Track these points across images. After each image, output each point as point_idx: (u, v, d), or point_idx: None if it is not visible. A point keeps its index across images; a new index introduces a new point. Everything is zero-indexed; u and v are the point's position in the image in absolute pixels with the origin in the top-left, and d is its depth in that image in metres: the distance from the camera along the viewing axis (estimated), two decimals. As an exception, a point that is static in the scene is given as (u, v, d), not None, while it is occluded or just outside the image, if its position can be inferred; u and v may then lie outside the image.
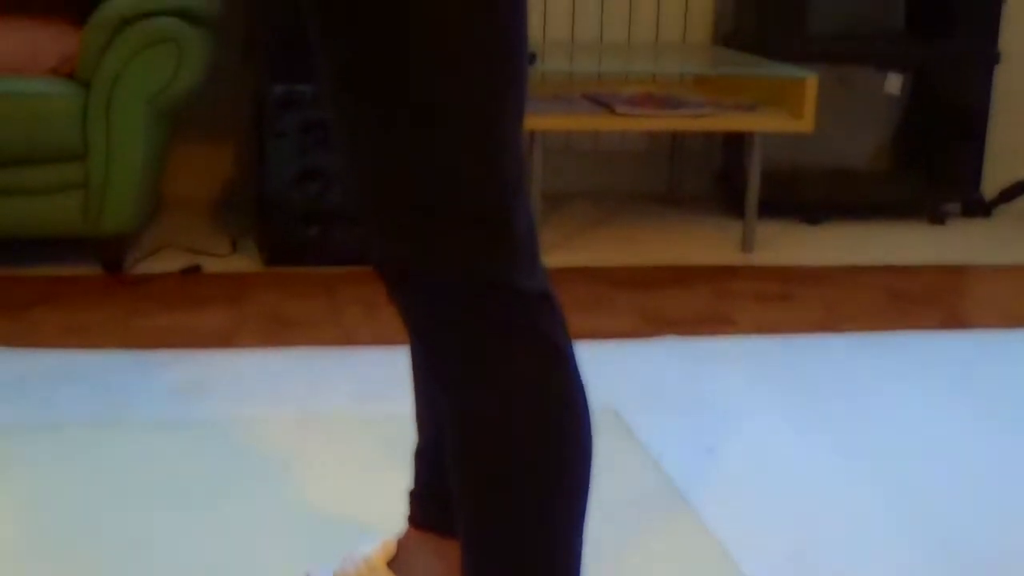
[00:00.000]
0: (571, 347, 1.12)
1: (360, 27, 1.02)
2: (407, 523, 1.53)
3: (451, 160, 1.03)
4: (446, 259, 1.05)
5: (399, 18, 1.00)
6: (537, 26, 3.98)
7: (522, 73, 1.08)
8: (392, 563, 1.53)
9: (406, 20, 1.00)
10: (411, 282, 1.07)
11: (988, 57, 3.99)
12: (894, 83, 4.13)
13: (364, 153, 1.06)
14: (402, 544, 1.54)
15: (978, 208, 4.15)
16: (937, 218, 4.05)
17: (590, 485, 1.13)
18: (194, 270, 3.22)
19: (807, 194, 4.03)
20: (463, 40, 1.01)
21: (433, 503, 1.49)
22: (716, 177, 4.22)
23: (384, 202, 1.06)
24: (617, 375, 2.56)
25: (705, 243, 3.66)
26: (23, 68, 3.15)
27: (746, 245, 3.56)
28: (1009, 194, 4.25)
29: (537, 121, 3.27)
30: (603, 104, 3.46)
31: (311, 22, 1.07)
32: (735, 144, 3.99)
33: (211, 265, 3.27)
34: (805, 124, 3.42)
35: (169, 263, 3.27)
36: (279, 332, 2.78)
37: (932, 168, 4.18)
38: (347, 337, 2.76)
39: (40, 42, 3.18)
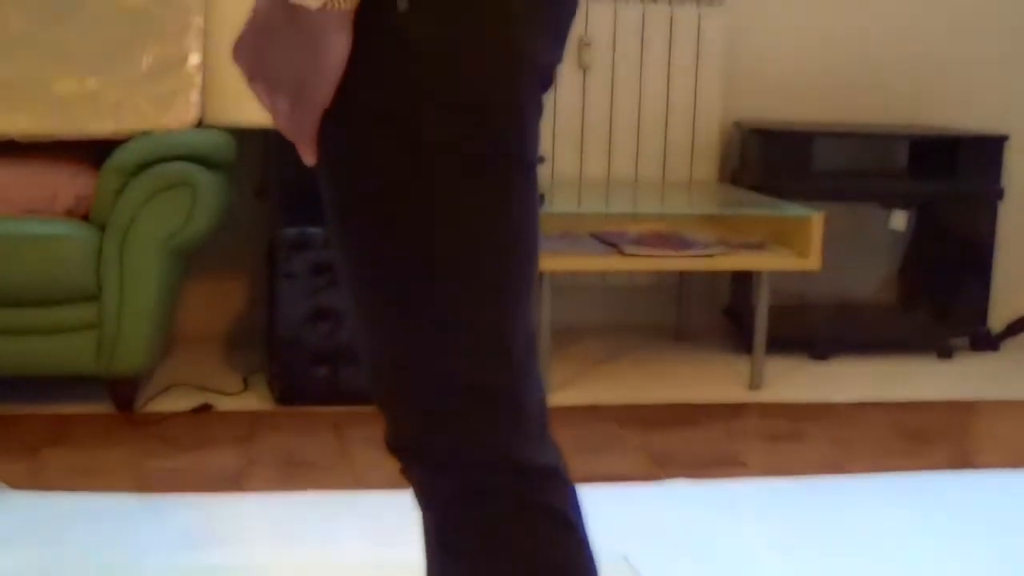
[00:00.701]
0: (581, 516, 1.13)
1: (369, 219, 1.06)
2: None
3: (464, 344, 1.07)
4: (457, 438, 1.08)
5: (407, 212, 1.05)
6: (545, 164, 4.06)
7: (534, 258, 1.11)
8: None
9: (416, 213, 1.05)
10: (423, 459, 1.10)
11: (992, 193, 4.05)
12: (899, 220, 4.18)
13: (376, 336, 1.09)
14: None
15: (986, 342, 4.17)
16: (945, 352, 4.07)
17: None
18: (205, 409, 3.24)
19: (814, 329, 4.06)
20: (477, 230, 1.05)
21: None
22: (724, 312, 4.25)
23: (395, 383, 1.09)
24: (626, 520, 2.56)
25: (713, 380, 3.68)
26: (40, 209, 3.21)
27: (754, 382, 3.57)
28: (1016, 328, 4.28)
29: (546, 261, 3.31)
30: (611, 244, 3.50)
31: (324, 202, 1.11)
32: (742, 279, 4.03)
33: (222, 403, 3.30)
34: (812, 263, 3.47)
35: (180, 402, 3.30)
36: (290, 474, 2.79)
37: (939, 302, 4.21)
38: (358, 480, 2.77)
39: (57, 184, 3.24)
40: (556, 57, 1.15)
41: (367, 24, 1.05)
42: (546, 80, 1.14)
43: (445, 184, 1.06)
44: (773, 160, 3.91)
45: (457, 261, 1.06)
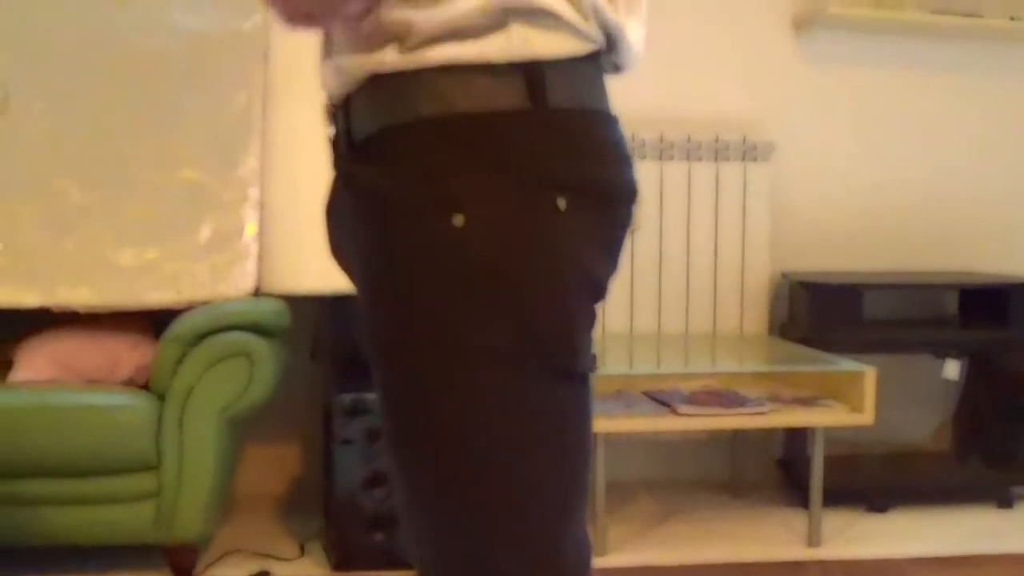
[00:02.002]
0: None
1: (416, 423, 1.10)
2: None
3: (510, 548, 1.09)
4: None
5: (452, 418, 1.09)
6: (597, 323, 4.09)
7: (583, 466, 1.14)
8: None
9: (461, 420, 1.08)
10: None
11: (1044, 341, 4.04)
12: (952, 369, 4.17)
13: (424, 532, 1.12)
14: None
15: (1046, 491, 4.12)
16: (1005, 502, 4.01)
17: None
18: (263, 575, 3.25)
19: (870, 480, 4.02)
20: (522, 437, 1.09)
21: None
22: (777, 463, 4.23)
23: (443, 562, 1.12)
24: None
25: (770, 536, 3.64)
26: (101, 378, 3.27)
27: (812, 539, 3.54)
28: (1076, 475, 4.22)
29: (601, 423, 3.32)
30: (664, 403, 3.52)
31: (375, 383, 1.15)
32: (796, 432, 4.02)
33: (279, 569, 3.30)
34: (866, 417, 3.46)
35: (238, 568, 3.30)
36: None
37: (996, 450, 4.17)
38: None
39: (118, 354, 3.31)
40: (610, 270, 1.18)
41: (422, 233, 1.09)
42: (599, 292, 1.17)
43: (490, 390, 1.08)
44: (822, 312, 3.92)
45: (502, 468, 1.08)
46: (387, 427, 1.14)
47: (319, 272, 3.33)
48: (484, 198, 1.07)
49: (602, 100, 1.18)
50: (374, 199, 1.12)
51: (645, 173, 4.09)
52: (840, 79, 4.34)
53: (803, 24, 4.29)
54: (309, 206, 3.39)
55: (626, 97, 4.16)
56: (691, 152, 4.14)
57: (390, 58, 1.10)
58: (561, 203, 1.10)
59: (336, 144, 1.23)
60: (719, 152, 4.15)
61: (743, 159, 4.16)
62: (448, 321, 1.08)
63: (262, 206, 3.51)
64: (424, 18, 1.08)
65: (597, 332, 4.12)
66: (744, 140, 4.16)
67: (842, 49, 4.35)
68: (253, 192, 3.51)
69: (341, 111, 1.20)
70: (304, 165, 3.43)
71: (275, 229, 3.46)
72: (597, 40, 1.16)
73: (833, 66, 4.34)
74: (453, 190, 1.07)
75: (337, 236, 1.26)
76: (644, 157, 4.10)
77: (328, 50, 1.23)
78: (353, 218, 1.16)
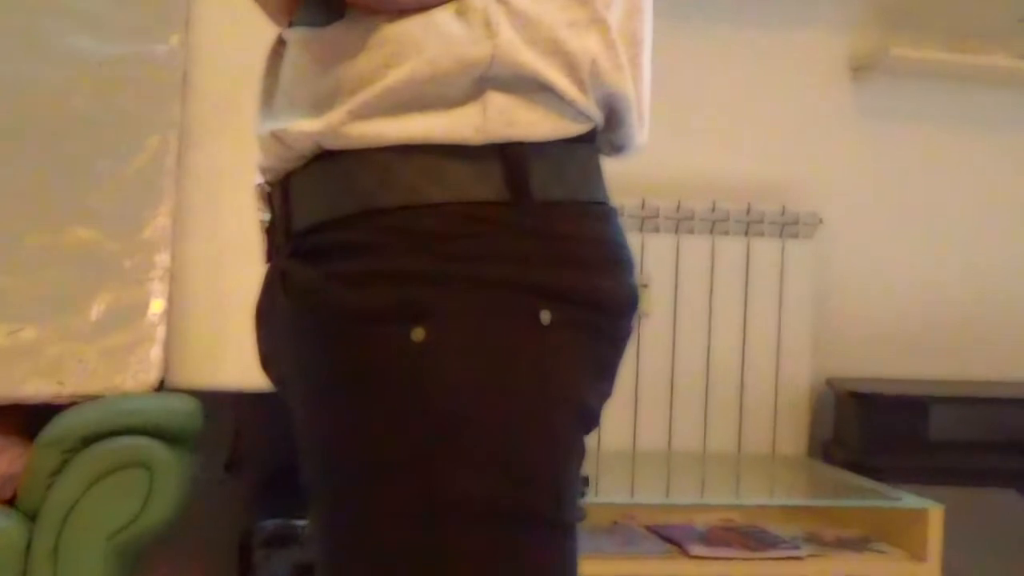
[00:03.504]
0: None
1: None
2: None
3: None
4: None
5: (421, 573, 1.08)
6: (592, 436, 4.07)
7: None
8: None
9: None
10: None
11: None
12: (1038, 507, 4.15)
13: None
14: None
15: None
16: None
17: None
18: None
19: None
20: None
21: None
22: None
23: None
24: None
25: None
26: (-44, 490, 3.23)
27: None
28: None
29: (591, 566, 3.29)
30: (673, 542, 3.49)
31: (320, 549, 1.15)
32: None
33: None
34: (930, 569, 3.44)
35: None
36: None
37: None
38: None
39: (-21, 458, 3.27)
40: (604, 394, 1.19)
41: (373, 349, 1.09)
42: (590, 422, 1.18)
43: (460, 545, 1.09)
44: (877, 430, 3.91)
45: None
46: (326, 570, 1.14)
47: (241, 363, 3.31)
48: (450, 309, 1.08)
49: (597, 190, 1.20)
50: (315, 305, 1.13)
51: (658, 249, 4.11)
52: (904, 137, 4.37)
53: (860, 69, 4.33)
54: (233, 278, 3.38)
55: (638, 157, 4.18)
56: (716, 224, 4.16)
57: (342, 128, 1.11)
58: (545, 317, 1.11)
59: (271, 233, 1.24)
60: (751, 225, 4.17)
61: (781, 234, 4.17)
62: (402, 461, 1.09)
63: (173, 277, 3.50)
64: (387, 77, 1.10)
65: (591, 448, 4.09)
66: (783, 211, 4.18)
67: (907, 100, 4.38)
68: (162, 258, 3.50)
69: (279, 191, 1.21)
70: (230, 226, 3.43)
71: (188, 306, 3.45)
72: (595, 118, 1.18)
73: (896, 121, 4.37)
74: (412, 298, 1.08)
75: (268, 345, 1.27)
76: (657, 229, 4.12)
77: (268, 99, 1.24)
78: (290, 327, 1.17)
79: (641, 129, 1.28)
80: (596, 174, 1.21)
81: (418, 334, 1.07)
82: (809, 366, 4.20)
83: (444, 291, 1.08)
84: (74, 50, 3.62)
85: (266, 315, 1.25)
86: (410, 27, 1.10)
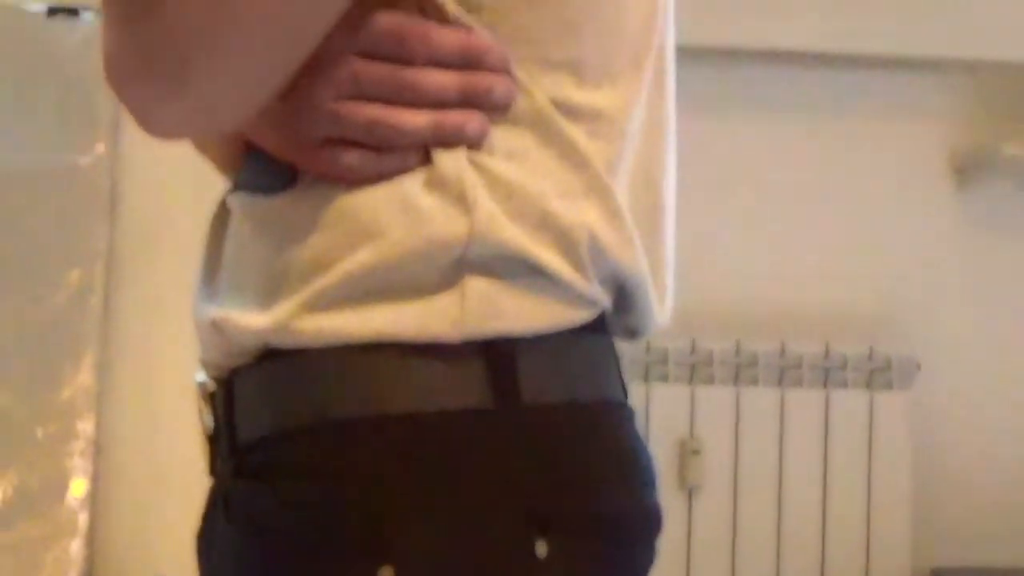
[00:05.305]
0: None
1: None
2: None
3: None
4: None
5: None
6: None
7: None
8: None
9: None
10: None
11: None
12: None
13: None
14: None
15: None
16: None
17: None
18: None
19: None
20: None
21: None
22: None
23: None
24: None
25: None
26: None
27: None
28: None
29: None
30: None
31: None
32: None
33: None
34: None
35: None
36: None
37: None
38: None
39: None
40: None
41: None
42: None
43: None
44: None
45: None
46: None
47: (181, 558, 3.35)
48: (424, 542, 1.10)
49: (607, 386, 1.22)
50: (263, 536, 1.15)
51: (713, 404, 4.11)
52: (1022, 256, 4.39)
53: (964, 170, 4.34)
54: (170, 450, 3.42)
55: (684, 284, 4.20)
56: (786, 372, 4.17)
57: (293, 323, 1.14)
58: (541, 549, 1.11)
59: (214, 443, 1.26)
60: (830, 372, 4.18)
61: (868, 384, 4.17)
62: None
63: (98, 449, 3.54)
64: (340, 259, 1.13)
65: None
66: (870, 353, 4.18)
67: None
68: (84, 427, 3.55)
69: (221, 393, 1.23)
70: (167, 383, 3.46)
71: (117, 488, 3.48)
72: (600, 302, 1.20)
73: (1011, 236, 4.40)
74: (377, 529, 1.09)
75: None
76: (711, 379, 4.13)
77: (209, 276, 1.27)
78: (233, 559, 1.19)
79: (662, 307, 1.29)
80: (605, 366, 1.22)
81: (386, 573, 1.08)
82: (908, 554, 4.16)
83: (416, 521, 1.09)
84: (-24, 161, 3.69)
85: (208, 542, 1.26)
86: (372, 200, 1.13)
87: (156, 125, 1.17)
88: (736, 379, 4.15)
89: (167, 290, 3.47)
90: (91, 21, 3.66)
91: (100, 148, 3.68)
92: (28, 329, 3.58)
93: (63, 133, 3.70)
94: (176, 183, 3.45)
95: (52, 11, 3.76)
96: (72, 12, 3.71)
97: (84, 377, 3.57)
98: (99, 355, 3.57)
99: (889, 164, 4.35)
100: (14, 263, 3.62)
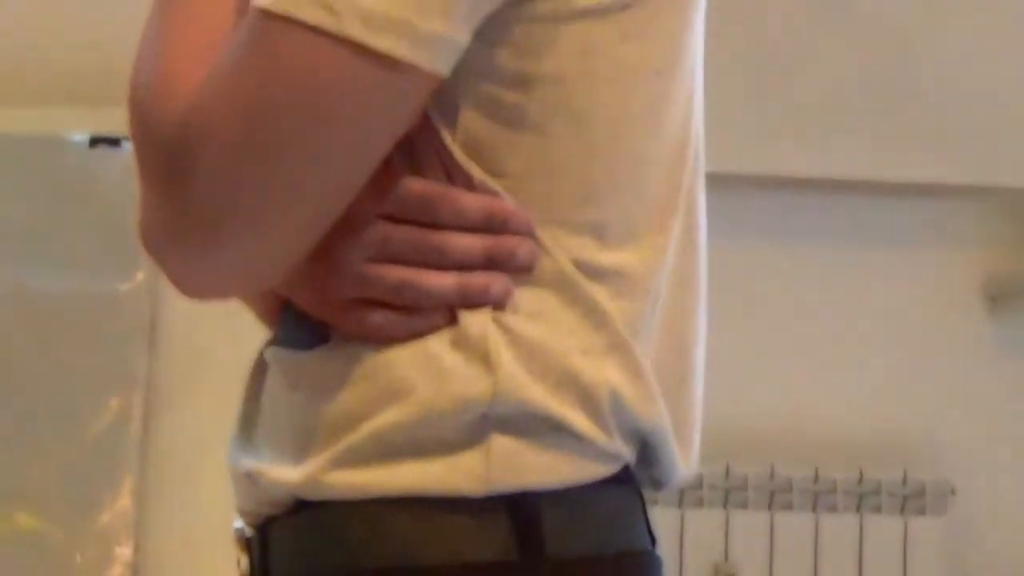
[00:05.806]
0: None
1: None
2: None
3: None
4: None
5: None
6: None
7: None
8: None
9: None
10: None
11: None
12: None
13: None
14: None
15: None
16: None
17: None
18: None
19: None
20: None
21: None
22: None
23: None
24: None
25: None
26: None
27: None
28: None
29: None
30: None
31: None
32: None
33: None
34: None
35: None
36: None
37: None
38: None
39: None
40: None
41: None
42: None
43: None
44: None
45: None
46: None
47: None
48: None
49: (634, 536, 1.25)
50: None
51: (747, 529, 4.10)
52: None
53: (999, 297, 4.35)
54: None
55: (719, 409, 4.20)
56: (820, 497, 4.15)
57: (323, 477, 1.18)
58: None
59: None
60: (864, 498, 4.16)
61: (903, 510, 4.15)
62: None
63: (135, 571, 3.55)
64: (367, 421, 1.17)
65: None
66: (904, 479, 4.17)
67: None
68: (123, 552, 3.55)
69: (257, 540, 1.28)
70: (207, 511, 3.46)
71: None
72: (624, 456, 1.23)
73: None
74: None
75: None
76: (745, 504, 4.12)
77: (247, 428, 1.32)
78: None
79: (687, 461, 1.31)
80: (630, 516, 1.25)
81: None
82: (944, 677, 4.17)
83: None
84: (14, 285, 3.72)
85: None
86: (400, 358, 1.17)
87: (191, 287, 1.22)
88: (770, 504, 4.15)
89: (206, 417, 3.48)
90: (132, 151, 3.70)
91: (140, 275, 3.71)
92: (67, 455, 3.59)
93: (104, 260, 3.73)
94: (216, 311, 3.45)
95: (94, 141, 3.82)
96: (114, 142, 3.77)
97: (123, 503, 3.57)
98: (138, 481, 3.58)
99: (923, 290, 4.36)
100: (55, 388, 3.64)
